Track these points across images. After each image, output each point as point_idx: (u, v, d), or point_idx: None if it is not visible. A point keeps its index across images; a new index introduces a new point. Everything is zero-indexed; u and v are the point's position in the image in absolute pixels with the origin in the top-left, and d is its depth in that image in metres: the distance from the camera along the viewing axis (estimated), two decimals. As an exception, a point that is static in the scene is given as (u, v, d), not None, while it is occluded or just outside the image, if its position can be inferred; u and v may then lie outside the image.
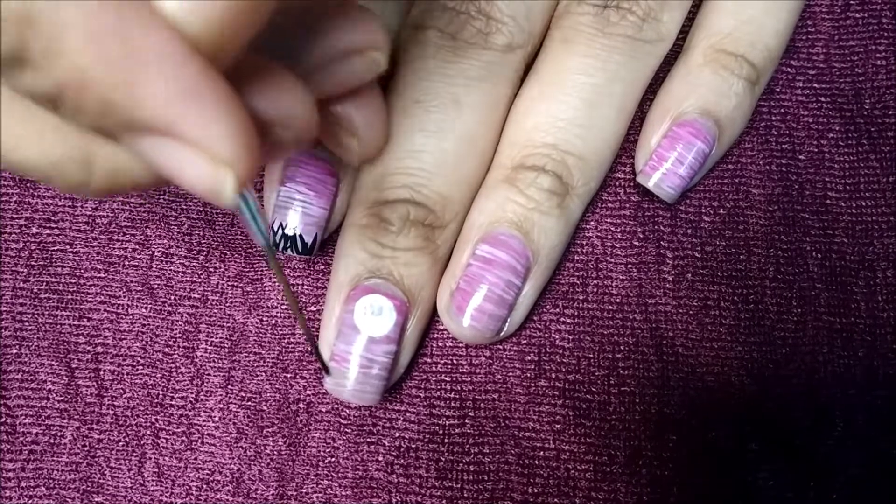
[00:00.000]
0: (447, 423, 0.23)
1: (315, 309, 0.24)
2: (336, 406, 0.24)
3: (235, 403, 0.24)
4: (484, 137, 0.22)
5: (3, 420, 0.24)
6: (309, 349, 0.24)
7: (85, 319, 0.24)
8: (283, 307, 0.24)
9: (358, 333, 0.21)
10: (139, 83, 0.11)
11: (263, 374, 0.24)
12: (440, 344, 0.24)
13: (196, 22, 0.11)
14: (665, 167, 0.22)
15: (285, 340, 0.24)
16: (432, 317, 0.23)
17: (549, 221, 0.22)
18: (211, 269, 0.25)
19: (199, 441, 0.24)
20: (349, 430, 0.23)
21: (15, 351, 0.24)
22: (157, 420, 0.24)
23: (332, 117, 0.19)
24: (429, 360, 0.24)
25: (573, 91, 0.22)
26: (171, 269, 0.25)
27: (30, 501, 0.24)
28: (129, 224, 0.25)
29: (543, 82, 0.22)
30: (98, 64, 0.11)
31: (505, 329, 0.22)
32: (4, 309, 0.25)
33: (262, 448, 0.23)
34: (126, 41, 0.11)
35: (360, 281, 0.21)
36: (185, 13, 0.11)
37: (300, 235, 0.22)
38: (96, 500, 0.24)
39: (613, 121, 0.22)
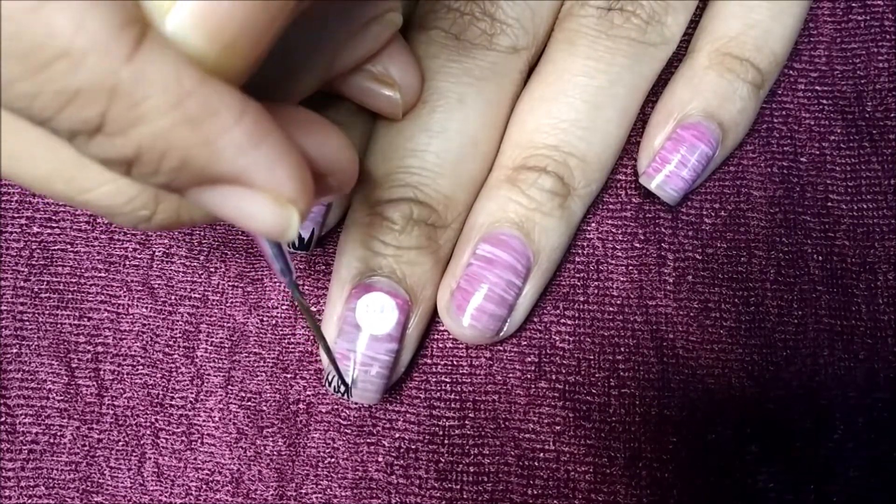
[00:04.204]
0: (447, 424, 0.23)
1: (316, 309, 0.24)
2: (336, 407, 0.24)
3: (235, 404, 0.24)
4: (487, 138, 0.22)
5: (3, 419, 0.24)
6: (313, 352, 0.24)
7: (85, 319, 0.24)
8: (284, 307, 0.24)
9: (360, 331, 0.21)
10: (216, 139, 0.12)
11: (263, 374, 0.24)
12: (440, 345, 0.24)
13: (198, 40, 0.12)
14: (668, 169, 0.22)
15: (285, 341, 0.24)
16: (433, 316, 0.23)
17: (550, 222, 0.22)
18: (211, 269, 0.25)
19: (199, 441, 0.24)
20: (349, 431, 0.23)
21: (15, 350, 0.24)
22: (157, 420, 0.24)
23: (370, 77, 0.21)
24: (429, 361, 0.24)
25: (575, 93, 0.22)
26: (171, 269, 0.25)
27: (29, 501, 0.24)
28: (130, 224, 0.25)
29: (546, 84, 0.22)
30: (181, 127, 0.11)
31: (505, 329, 0.22)
32: (5, 308, 0.25)
33: (262, 448, 0.23)
34: (204, 101, 0.11)
35: (362, 279, 0.21)
36: (186, 32, 0.11)
37: None
38: (96, 499, 0.24)
39: (616, 123, 0.22)
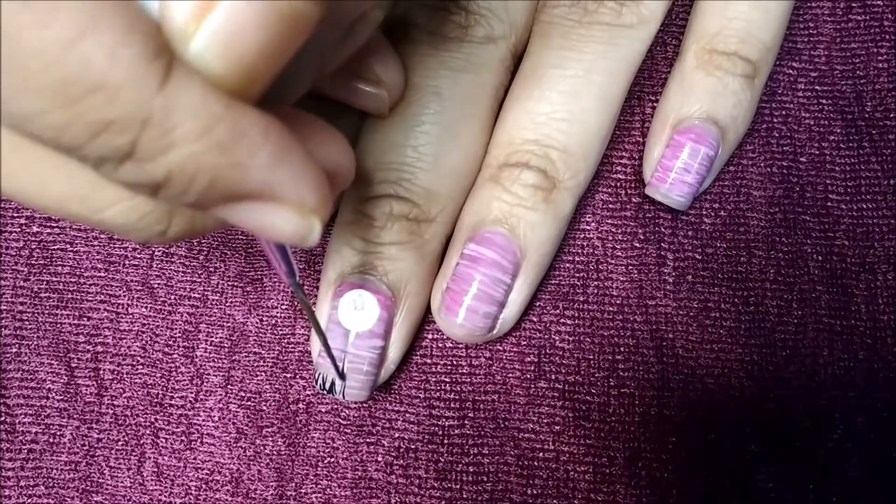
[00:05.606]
0: (447, 423, 0.23)
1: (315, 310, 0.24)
2: (335, 406, 0.24)
3: (235, 403, 0.24)
4: (467, 129, 0.22)
5: (2, 419, 0.24)
6: (314, 355, 0.24)
7: (85, 319, 0.24)
8: (284, 307, 0.24)
9: (343, 330, 0.21)
10: (245, 160, 0.12)
11: (263, 374, 0.24)
12: (440, 344, 0.24)
13: (220, 66, 0.12)
14: (672, 177, 0.22)
15: (285, 340, 0.24)
16: (424, 312, 0.23)
17: (535, 216, 0.22)
18: (211, 269, 0.25)
19: (199, 441, 0.24)
20: (349, 431, 0.23)
21: (15, 350, 0.24)
22: (156, 420, 0.24)
23: (355, 76, 0.21)
24: (429, 361, 0.24)
25: (549, 85, 0.22)
26: (171, 269, 0.25)
27: (29, 500, 0.24)
28: (130, 223, 0.25)
29: (523, 79, 0.22)
30: (212, 150, 0.12)
31: (498, 326, 0.22)
32: (4, 308, 0.25)
33: (262, 448, 0.23)
34: (232, 125, 0.12)
35: (344, 277, 0.22)
36: (209, 57, 0.12)
37: None
38: (95, 499, 0.24)
39: (596, 111, 0.22)
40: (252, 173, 0.12)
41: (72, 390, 0.24)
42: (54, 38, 0.10)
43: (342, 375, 0.21)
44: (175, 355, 0.24)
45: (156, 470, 0.24)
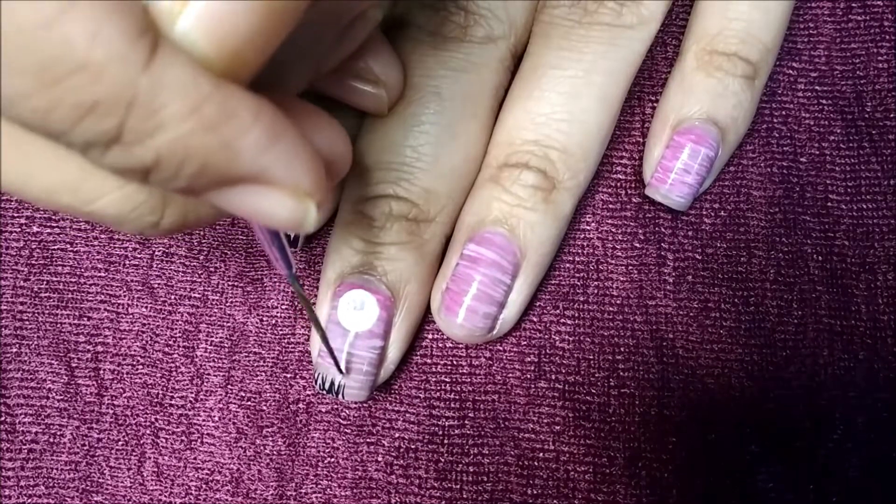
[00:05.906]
0: (447, 423, 0.23)
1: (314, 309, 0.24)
2: (336, 406, 0.24)
3: (235, 403, 0.24)
4: (467, 129, 0.22)
5: (2, 419, 0.24)
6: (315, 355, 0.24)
7: (85, 318, 0.24)
8: (284, 307, 0.24)
9: (342, 330, 0.21)
10: (235, 141, 0.12)
11: (263, 374, 0.24)
12: (440, 345, 0.24)
13: (207, 46, 0.11)
14: (671, 178, 0.22)
15: (285, 340, 0.24)
16: (424, 313, 0.23)
17: (535, 217, 0.22)
18: (211, 269, 0.25)
19: (199, 441, 0.24)
20: (349, 431, 0.23)
21: (15, 350, 0.24)
22: (156, 419, 0.24)
23: (353, 75, 0.21)
24: (429, 361, 0.24)
25: (549, 85, 0.22)
26: (171, 269, 0.25)
27: (29, 500, 0.24)
28: (130, 223, 0.25)
29: (523, 80, 0.22)
30: (201, 131, 0.11)
31: (497, 327, 0.22)
32: (5, 307, 0.25)
33: (262, 448, 0.23)
34: (221, 104, 0.11)
35: (344, 278, 0.22)
36: (195, 38, 0.11)
37: None
38: (95, 499, 0.24)
39: (596, 112, 0.22)
40: (243, 155, 0.12)
41: (72, 390, 0.24)
42: (33, 17, 0.10)
43: (342, 371, 0.21)
44: (175, 355, 0.24)
45: (156, 470, 0.24)
